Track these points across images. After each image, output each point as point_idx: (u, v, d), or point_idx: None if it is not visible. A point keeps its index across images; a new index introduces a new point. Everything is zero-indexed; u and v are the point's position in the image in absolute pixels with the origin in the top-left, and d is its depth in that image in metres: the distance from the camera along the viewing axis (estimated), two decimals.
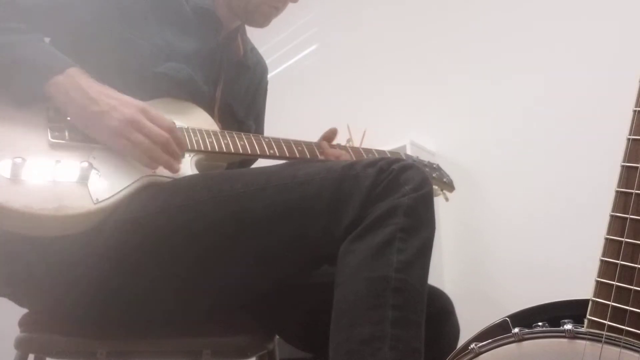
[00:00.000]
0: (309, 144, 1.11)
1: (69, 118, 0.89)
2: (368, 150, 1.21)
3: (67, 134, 0.88)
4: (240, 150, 1.02)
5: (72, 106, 0.88)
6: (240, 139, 1.03)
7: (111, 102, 0.88)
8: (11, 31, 0.90)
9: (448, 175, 1.34)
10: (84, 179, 0.83)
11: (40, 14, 0.97)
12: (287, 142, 1.08)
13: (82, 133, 0.89)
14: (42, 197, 0.79)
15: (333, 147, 1.15)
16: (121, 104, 0.88)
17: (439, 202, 1.32)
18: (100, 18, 1.02)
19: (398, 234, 0.78)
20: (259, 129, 1.30)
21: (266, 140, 1.06)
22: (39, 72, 0.88)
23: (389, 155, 1.21)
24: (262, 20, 1.16)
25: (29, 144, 0.84)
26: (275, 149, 1.05)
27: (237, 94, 1.20)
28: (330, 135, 1.17)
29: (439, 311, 0.99)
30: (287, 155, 1.06)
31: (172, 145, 0.89)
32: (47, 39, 1.01)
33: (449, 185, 1.32)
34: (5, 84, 0.88)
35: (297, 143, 1.09)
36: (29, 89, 0.88)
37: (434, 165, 1.32)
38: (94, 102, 0.87)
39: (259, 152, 1.03)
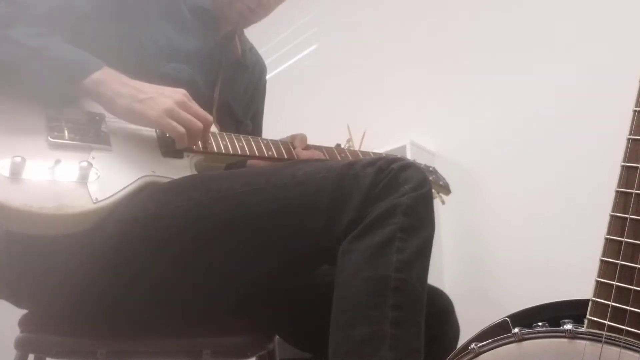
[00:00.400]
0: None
1: (114, 111, 0.91)
2: (365, 153, 1.22)
3: (66, 133, 0.88)
4: (239, 152, 1.02)
5: (119, 97, 0.90)
6: (239, 140, 1.04)
7: (157, 89, 0.92)
8: (38, 35, 0.90)
9: (444, 178, 1.34)
10: (83, 179, 0.83)
11: (48, 16, 0.97)
12: (286, 143, 1.09)
13: (81, 133, 0.89)
14: (41, 196, 0.79)
15: (306, 148, 1.14)
16: (166, 90, 0.93)
17: (438, 202, 1.32)
18: (103, 15, 1.02)
19: (398, 234, 0.78)
20: (256, 128, 1.30)
21: (264, 141, 1.06)
22: (76, 70, 0.90)
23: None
24: (235, 17, 1.15)
25: (29, 143, 0.84)
26: (274, 150, 1.05)
27: (236, 94, 1.20)
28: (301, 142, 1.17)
29: (438, 311, 0.99)
30: (286, 156, 1.06)
31: (208, 128, 0.95)
32: None
33: (445, 188, 1.33)
34: (43, 85, 0.89)
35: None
36: (68, 89, 0.90)
37: (430, 169, 1.32)
38: (140, 91, 0.91)
39: (257, 154, 1.04)
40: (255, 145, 1.04)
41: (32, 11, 0.94)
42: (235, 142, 1.03)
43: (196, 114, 0.92)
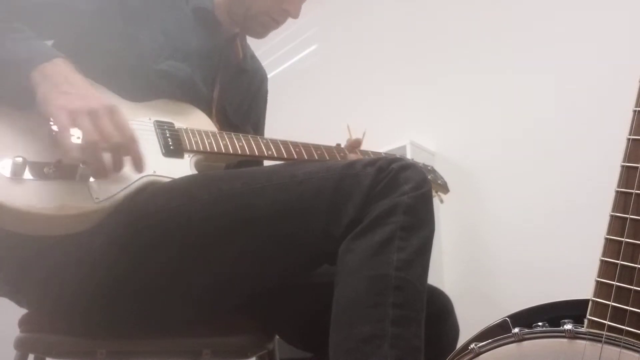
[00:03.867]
0: (307, 145, 1.11)
1: (36, 96, 0.83)
2: (365, 152, 1.22)
3: None
4: (239, 151, 1.02)
5: (45, 83, 0.82)
6: (239, 139, 1.04)
7: (83, 91, 0.83)
8: (10, 31, 0.89)
9: (442, 177, 1.35)
10: (84, 179, 0.83)
11: (42, 11, 0.97)
12: (285, 143, 1.09)
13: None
14: (43, 197, 0.79)
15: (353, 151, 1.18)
16: (91, 95, 0.83)
17: (437, 201, 1.32)
18: (103, 12, 1.02)
19: (398, 233, 0.78)
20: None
21: (264, 141, 1.06)
22: (23, 64, 0.84)
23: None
24: (260, 31, 1.17)
25: (30, 143, 0.84)
26: (274, 150, 1.05)
27: (233, 98, 1.20)
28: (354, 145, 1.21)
29: (438, 311, 0.99)
30: (285, 156, 1.06)
31: (121, 152, 0.82)
32: (49, 42, 1.01)
33: (444, 187, 1.33)
34: (5, 88, 0.86)
35: (295, 144, 1.09)
36: (22, 85, 0.84)
37: (429, 167, 1.33)
38: (68, 84, 0.83)
39: (257, 153, 1.04)
40: (255, 144, 1.04)
41: (15, 5, 0.92)
42: (235, 141, 1.03)
43: (101, 129, 0.79)
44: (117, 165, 0.82)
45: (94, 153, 0.79)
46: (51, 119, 0.81)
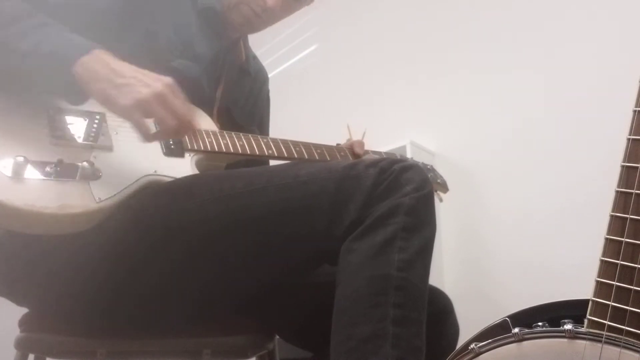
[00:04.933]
0: (307, 145, 1.11)
1: (92, 95, 0.85)
2: (365, 152, 1.22)
3: (68, 133, 0.88)
4: (240, 150, 1.02)
5: (96, 81, 0.83)
6: (239, 139, 1.04)
7: (138, 74, 0.84)
8: (35, 29, 0.87)
9: (442, 177, 1.35)
10: (85, 178, 0.83)
11: (60, 12, 0.97)
12: (286, 142, 1.09)
13: (82, 132, 0.89)
14: (44, 196, 0.79)
15: (365, 152, 1.20)
16: (148, 77, 0.84)
17: (439, 201, 1.33)
18: (123, 11, 1.02)
19: (399, 233, 0.78)
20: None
21: (265, 140, 1.06)
22: (64, 59, 0.84)
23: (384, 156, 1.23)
24: (241, 21, 1.14)
25: (31, 143, 0.84)
26: (274, 149, 1.05)
27: (237, 98, 1.21)
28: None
29: (438, 311, 1.00)
30: (286, 155, 1.06)
31: (189, 128, 0.86)
32: None
33: (443, 186, 1.34)
34: (47, 83, 0.86)
35: (296, 143, 1.09)
36: (66, 79, 0.84)
37: (428, 167, 1.33)
38: (118, 75, 0.83)
39: (257, 152, 1.04)
40: (255, 143, 1.04)
41: (38, 5, 0.92)
42: (236, 140, 1.03)
43: (174, 111, 0.82)
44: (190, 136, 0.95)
45: (177, 134, 0.86)
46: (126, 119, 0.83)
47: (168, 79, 0.84)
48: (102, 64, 0.83)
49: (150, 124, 0.84)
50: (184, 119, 0.83)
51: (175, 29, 1.07)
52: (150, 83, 0.82)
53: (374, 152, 1.25)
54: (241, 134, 1.05)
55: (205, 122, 1.06)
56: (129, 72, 0.83)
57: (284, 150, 1.07)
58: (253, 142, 1.05)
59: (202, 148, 0.99)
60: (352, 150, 1.22)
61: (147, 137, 0.82)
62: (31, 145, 0.84)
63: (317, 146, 1.13)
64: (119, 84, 0.82)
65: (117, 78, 0.82)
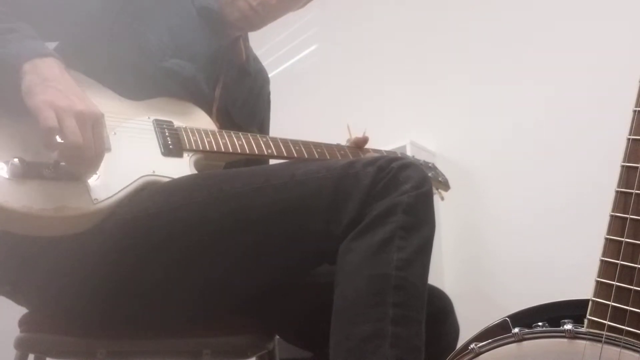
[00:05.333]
0: (307, 144, 1.11)
1: (22, 86, 0.80)
2: (365, 150, 1.22)
3: None
4: (239, 150, 1.02)
5: (32, 76, 0.80)
6: (239, 138, 1.04)
7: (74, 90, 0.81)
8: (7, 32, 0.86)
9: (443, 175, 1.35)
10: (83, 179, 0.83)
11: (49, 11, 0.96)
12: (285, 141, 1.08)
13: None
14: (41, 198, 0.79)
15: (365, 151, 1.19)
16: (82, 99, 0.81)
17: (439, 201, 1.33)
18: (111, 11, 1.02)
19: (398, 232, 0.78)
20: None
21: (264, 139, 1.06)
22: (14, 59, 0.82)
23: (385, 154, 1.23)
24: (238, 16, 1.12)
25: (28, 144, 0.84)
26: (273, 149, 1.05)
27: (236, 98, 1.20)
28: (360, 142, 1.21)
29: (438, 311, 0.99)
30: (285, 154, 1.06)
31: (92, 165, 0.82)
32: (54, 43, 1.01)
33: (444, 185, 1.33)
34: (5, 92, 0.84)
35: (295, 142, 1.09)
36: (14, 82, 0.82)
37: (430, 165, 1.33)
38: (58, 82, 0.81)
39: (256, 152, 1.03)
40: (255, 143, 1.04)
41: (25, 4, 0.92)
42: (235, 140, 1.03)
43: (84, 133, 0.77)
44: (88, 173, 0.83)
45: (78, 158, 0.79)
46: (35, 113, 0.78)
47: (98, 110, 0.82)
48: (49, 67, 0.82)
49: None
50: (88, 146, 0.78)
51: (170, 30, 1.06)
52: (78, 100, 0.80)
53: (375, 151, 1.25)
54: (240, 133, 1.05)
55: (203, 122, 1.06)
56: (70, 84, 0.82)
57: (283, 149, 1.06)
58: (252, 141, 1.04)
59: (201, 148, 0.99)
60: (358, 144, 1.21)
61: (48, 140, 0.77)
62: (29, 147, 0.84)
63: (317, 145, 1.13)
64: (51, 86, 0.80)
65: (54, 82, 0.80)
